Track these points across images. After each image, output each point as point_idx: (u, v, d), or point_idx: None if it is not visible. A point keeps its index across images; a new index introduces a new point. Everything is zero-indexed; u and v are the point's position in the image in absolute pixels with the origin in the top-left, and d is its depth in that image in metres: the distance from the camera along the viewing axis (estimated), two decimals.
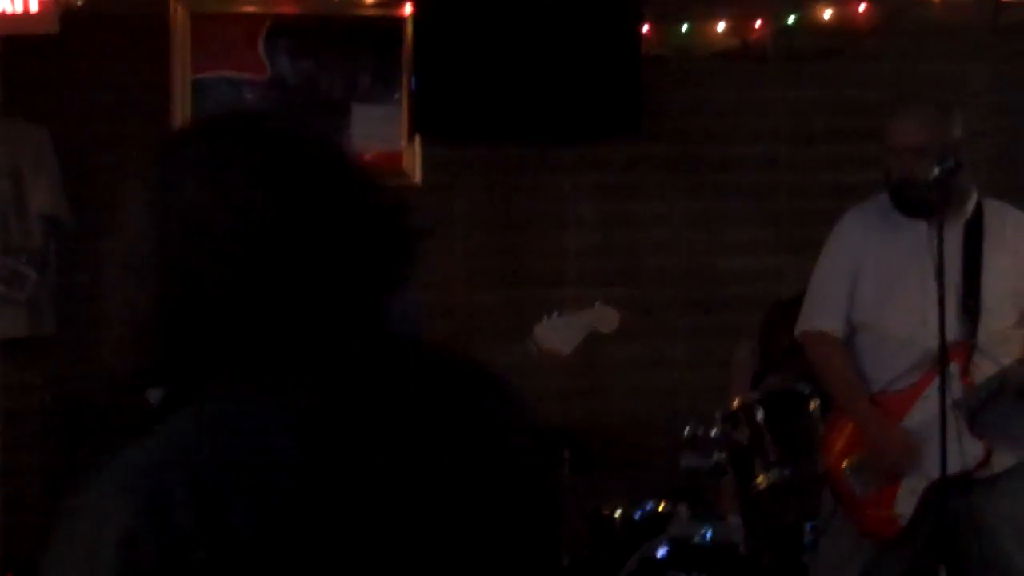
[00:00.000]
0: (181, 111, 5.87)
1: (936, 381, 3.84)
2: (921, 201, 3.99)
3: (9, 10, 5.46)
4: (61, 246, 5.74)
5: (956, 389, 3.98)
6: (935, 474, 3.85)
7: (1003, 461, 4.09)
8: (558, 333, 3.84)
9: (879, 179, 4.44)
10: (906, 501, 4.10)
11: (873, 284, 4.23)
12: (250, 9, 5.94)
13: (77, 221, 5.72)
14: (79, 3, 5.65)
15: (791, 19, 6.14)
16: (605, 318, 3.87)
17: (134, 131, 5.86)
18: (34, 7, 5.45)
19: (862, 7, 6.18)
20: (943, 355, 3.77)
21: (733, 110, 6.19)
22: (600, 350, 5.72)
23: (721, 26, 6.12)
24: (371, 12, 5.99)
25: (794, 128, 6.21)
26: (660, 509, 5.04)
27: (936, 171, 3.87)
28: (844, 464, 4.20)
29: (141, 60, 5.86)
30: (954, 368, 4.01)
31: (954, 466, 3.85)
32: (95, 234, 5.77)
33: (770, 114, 6.21)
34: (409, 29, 5.97)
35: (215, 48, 5.92)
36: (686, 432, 4.77)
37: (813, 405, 4.66)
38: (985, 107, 6.01)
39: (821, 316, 4.31)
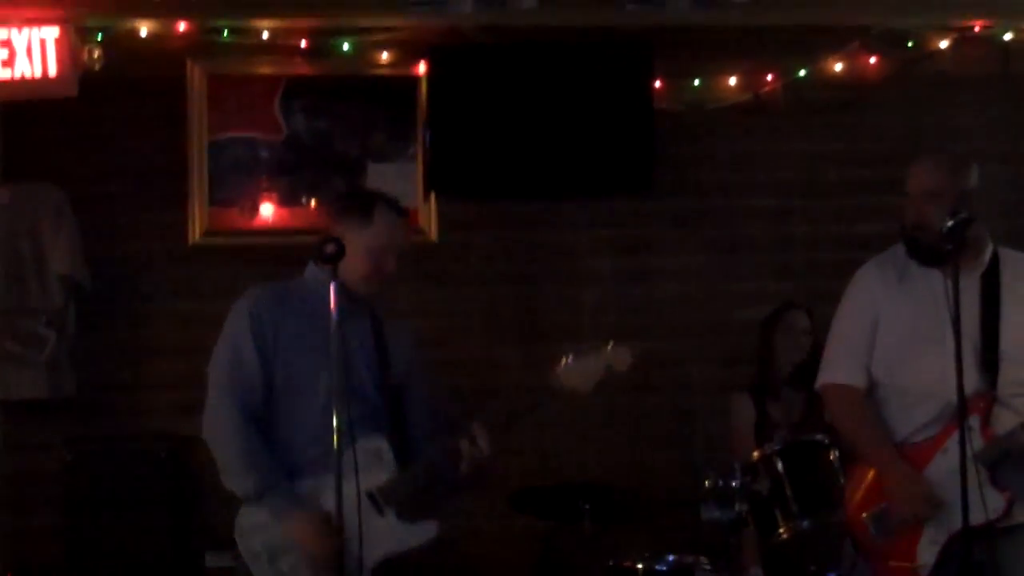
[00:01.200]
0: (198, 171, 5.92)
1: (956, 434, 3.84)
2: (935, 247, 4.00)
3: (29, 74, 5.55)
4: (79, 307, 5.76)
5: (977, 441, 3.98)
6: (956, 525, 3.83)
7: None
8: (578, 372, 3.88)
9: (892, 231, 4.47)
10: (928, 551, 4.08)
11: (891, 337, 4.23)
12: (266, 70, 6.00)
13: (95, 282, 5.75)
14: (97, 67, 5.73)
15: (802, 72, 6.19)
16: (619, 357, 3.91)
17: (152, 192, 5.93)
18: (53, 71, 5.54)
19: (873, 59, 6.24)
20: (962, 408, 3.77)
21: (745, 163, 6.23)
22: (619, 403, 5.76)
23: (733, 80, 6.18)
24: (385, 71, 6.06)
25: (806, 180, 6.24)
26: (683, 561, 5.02)
27: (950, 222, 3.88)
28: (864, 514, 4.19)
29: (158, 121, 5.93)
30: (974, 420, 4.01)
31: (976, 517, 3.83)
32: (113, 295, 5.83)
33: (782, 167, 6.24)
34: (423, 88, 6.03)
35: (231, 109, 5.98)
36: (706, 484, 4.76)
37: (833, 455, 4.65)
38: (996, 156, 6.04)
39: (842, 369, 4.30)
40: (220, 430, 3.95)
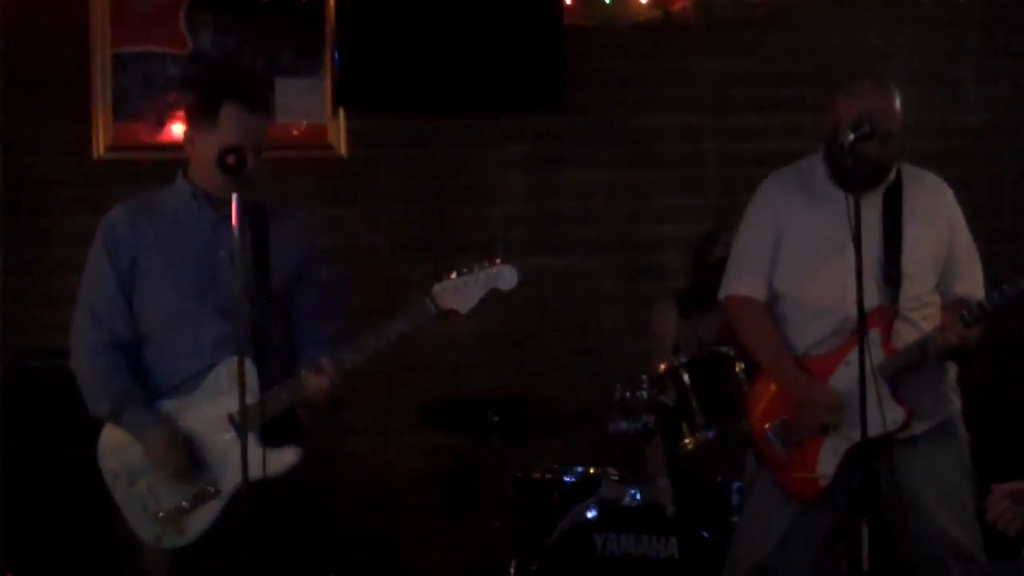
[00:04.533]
0: (101, 85, 5.81)
1: (858, 347, 3.90)
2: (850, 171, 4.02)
3: None
4: None
5: (877, 354, 4.05)
6: (856, 436, 3.90)
7: (923, 423, 4.17)
8: (457, 291, 3.84)
9: (801, 148, 4.51)
10: (827, 462, 4.16)
11: (794, 253, 4.28)
12: None
13: None
14: None
15: None
16: (504, 276, 3.87)
17: (55, 106, 5.81)
18: None
19: None
20: (861, 322, 3.83)
21: (656, 81, 6.23)
22: (528, 317, 5.78)
23: None
24: None
25: (716, 98, 6.26)
26: (590, 472, 5.08)
27: (851, 136, 3.92)
28: (766, 426, 4.26)
29: (60, 35, 5.79)
30: (875, 334, 4.08)
31: (875, 428, 3.91)
32: (15, 212, 5.73)
33: (692, 84, 6.25)
34: (331, 2, 5.94)
35: (135, 22, 5.86)
36: (614, 396, 4.81)
37: (738, 368, 4.72)
38: (905, 78, 6.08)
39: (744, 281, 4.36)
40: (81, 357, 3.91)
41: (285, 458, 3.82)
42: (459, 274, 3.85)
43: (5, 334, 5.66)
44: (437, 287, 3.84)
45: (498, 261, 3.88)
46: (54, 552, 5.16)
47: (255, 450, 3.64)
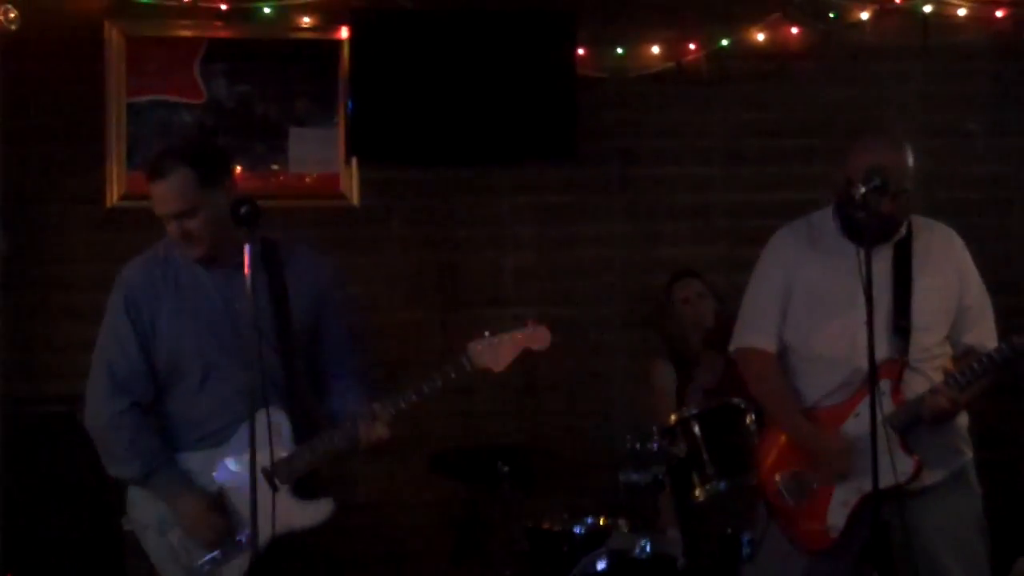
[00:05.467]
0: (116, 134, 5.85)
1: (868, 398, 3.88)
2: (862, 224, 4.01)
3: None
4: None
5: (887, 406, 4.05)
6: (866, 487, 3.89)
7: (934, 474, 4.16)
8: (492, 351, 3.91)
9: (812, 199, 4.52)
10: (837, 513, 4.16)
11: (804, 305, 4.29)
12: (186, 33, 5.93)
13: (11, 245, 5.68)
14: (13, 27, 5.62)
15: (724, 42, 6.22)
16: (536, 336, 3.94)
17: (69, 155, 5.85)
18: None
19: (794, 30, 6.28)
20: (872, 373, 3.83)
21: (667, 131, 6.26)
22: (539, 368, 5.78)
23: (655, 49, 6.20)
24: (307, 35, 6.01)
25: (727, 149, 6.29)
26: (600, 523, 5.07)
27: (862, 189, 3.92)
28: (777, 478, 4.25)
29: (76, 83, 5.84)
30: (886, 385, 4.09)
31: (886, 480, 3.90)
32: (29, 258, 5.76)
33: (704, 135, 6.28)
34: (346, 52, 5.99)
35: (151, 71, 5.90)
36: (625, 447, 4.81)
37: (749, 419, 4.71)
38: (914, 128, 6.12)
39: (755, 333, 4.37)
40: (102, 421, 3.90)
41: (320, 510, 3.86)
42: (493, 334, 3.89)
43: (22, 380, 5.68)
44: (471, 345, 3.91)
45: (531, 322, 3.93)
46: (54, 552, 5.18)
47: (288, 502, 3.70)
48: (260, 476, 3.70)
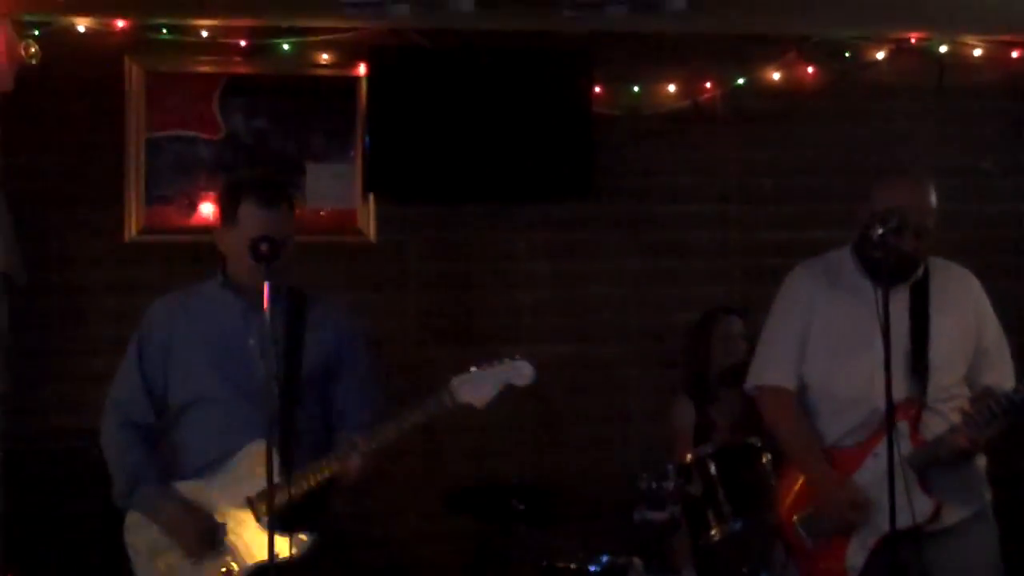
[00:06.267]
0: (135, 168, 5.88)
1: (886, 438, 3.88)
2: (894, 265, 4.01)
3: None
4: (14, 304, 5.70)
5: (906, 446, 4.04)
6: (886, 528, 3.88)
7: (953, 515, 4.14)
8: (474, 386, 3.89)
9: (828, 238, 4.52)
10: (856, 554, 4.14)
11: (822, 344, 4.29)
12: (205, 69, 5.97)
13: (30, 279, 5.70)
14: (35, 62, 5.68)
15: (740, 80, 6.25)
16: (520, 372, 3.92)
17: (89, 189, 5.88)
18: None
19: (810, 69, 6.31)
20: (890, 413, 3.82)
21: (683, 169, 6.28)
22: (554, 404, 5.78)
23: (672, 87, 6.23)
24: (325, 72, 6.05)
25: (743, 187, 6.30)
26: (615, 562, 5.04)
27: (880, 230, 3.92)
28: (795, 517, 4.24)
29: (96, 118, 5.88)
30: (903, 425, 4.08)
31: (904, 520, 3.88)
32: (48, 292, 5.78)
33: (719, 174, 6.30)
34: (363, 89, 6.02)
35: (170, 107, 5.94)
36: (640, 486, 4.79)
37: (765, 459, 4.69)
38: (930, 166, 6.13)
39: (774, 371, 4.36)
40: (103, 441, 4.04)
41: (299, 544, 3.85)
42: (478, 367, 3.90)
43: (34, 414, 5.69)
44: (454, 381, 3.90)
45: (516, 357, 3.92)
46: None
47: (271, 534, 3.67)
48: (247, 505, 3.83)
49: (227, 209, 3.95)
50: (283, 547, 3.78)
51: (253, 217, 3.88)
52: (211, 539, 3.87)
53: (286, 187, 4.06)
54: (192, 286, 4.11)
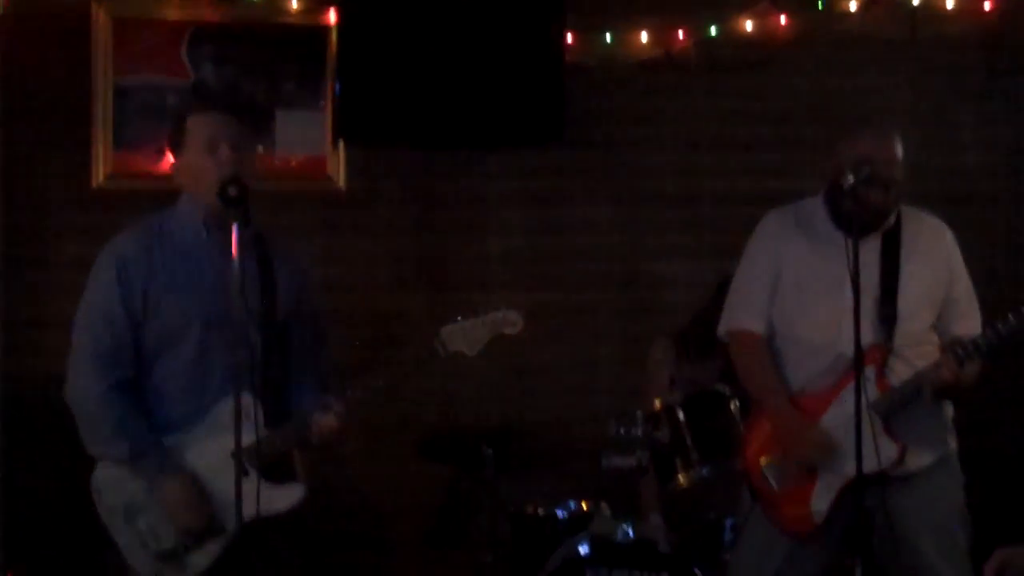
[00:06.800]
0: (102, 114, 5.83)
1: (852, 384, 3.89)
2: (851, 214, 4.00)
3: None
4: None
5: (872, 391, 4.05)
6: (851, 473, 3.90)
7: (918, 461, 4.17)
8: (464, 335, 3.90)
9: (800, 187, 4.52)
10: (822, 499, 4.17)
11: (790, 290, 4.30)
12: (173, 15, 5.90)
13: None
14: (0, 10, 5.60)
15: (713, 30, 6.22)
16: (508, 320, 3.94)
17: (55, 134, 5.83)
18: None
19: (783, 19, 6.29)
20: (858, 359, 3.83)
21: (656, 118, 6.25)
22: (524, 352, 5.78)
23: (644, 36, 6.20)
24: (295, 19, 5.99)
25: (715, 137, 6.29)
26: (582, 508, 5.07)
27: (851, 179, 3.92)
28: (761, 462, 4.26)
29: (62, 64, 5.81)
30: (870, 371, 4.09)
31: (870, 465, 3.90)
32: (14, 238, 5.74)
33: (692, 123, 6.28)
34: (333, 36, 5.97)
35: (137, 53, 5.88)
36: (609, 432, 4.81)
37: (733, 406, 4.71)
38: (904, 118, 6.13)
39: (745, 315, 4.38)
40: (85, 399, 3.80)
41: (289, 495, 3.83)
42: (464, 317, 3.90)
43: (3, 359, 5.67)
44: (444, 330, 3.89)
45: (503, 307, 3.93)
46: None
47: (260, 487, 3.63)
48: (230, 460, 3.63)
49: (176, 136, 3.83)
50: (272, 501, 3.74)
51: (203, 127, 3.79)
52: (211, 518, 3.77)
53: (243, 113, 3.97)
54: (158, 218, 3.93)
